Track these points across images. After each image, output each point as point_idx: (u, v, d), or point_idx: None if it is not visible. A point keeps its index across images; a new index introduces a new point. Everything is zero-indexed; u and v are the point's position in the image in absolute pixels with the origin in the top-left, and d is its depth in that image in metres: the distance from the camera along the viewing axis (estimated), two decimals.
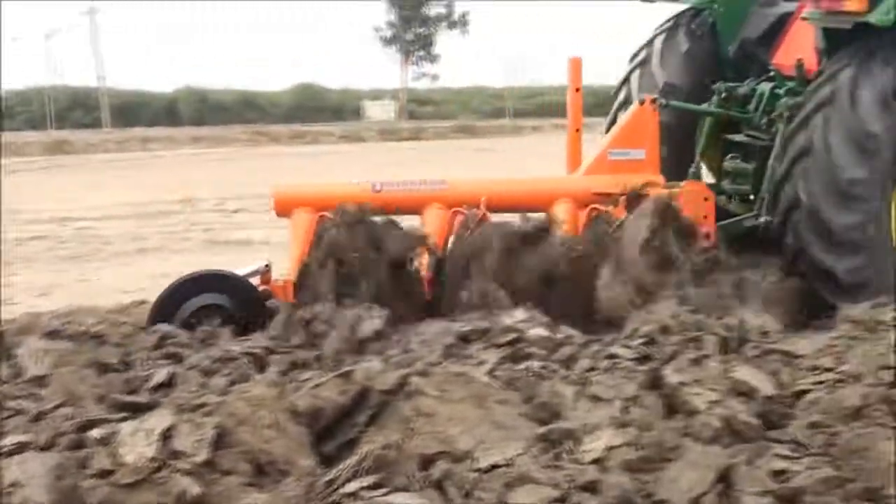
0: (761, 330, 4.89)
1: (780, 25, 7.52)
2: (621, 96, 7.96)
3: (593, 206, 6.17)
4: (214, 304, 5.79)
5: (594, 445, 3.32)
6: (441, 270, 5.98)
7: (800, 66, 6.90)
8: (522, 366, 4.23)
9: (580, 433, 3.43)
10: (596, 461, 3.24)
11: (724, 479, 3.06)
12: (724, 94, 7.37)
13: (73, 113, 52.49)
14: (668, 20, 7.98)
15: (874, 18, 6.02)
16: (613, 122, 7.91)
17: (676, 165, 7.10)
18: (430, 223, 6.18)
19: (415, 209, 6.29)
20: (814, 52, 6.77)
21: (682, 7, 7.98)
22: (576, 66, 7.00)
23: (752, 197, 7.21)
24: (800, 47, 7.06)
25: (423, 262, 5.94)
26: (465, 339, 4.82)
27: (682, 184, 6.60)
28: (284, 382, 3.97)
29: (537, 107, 54.54)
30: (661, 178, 6.43)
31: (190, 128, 45.34)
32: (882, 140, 6.08)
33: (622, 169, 6.43)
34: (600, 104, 8.49)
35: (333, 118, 51.52)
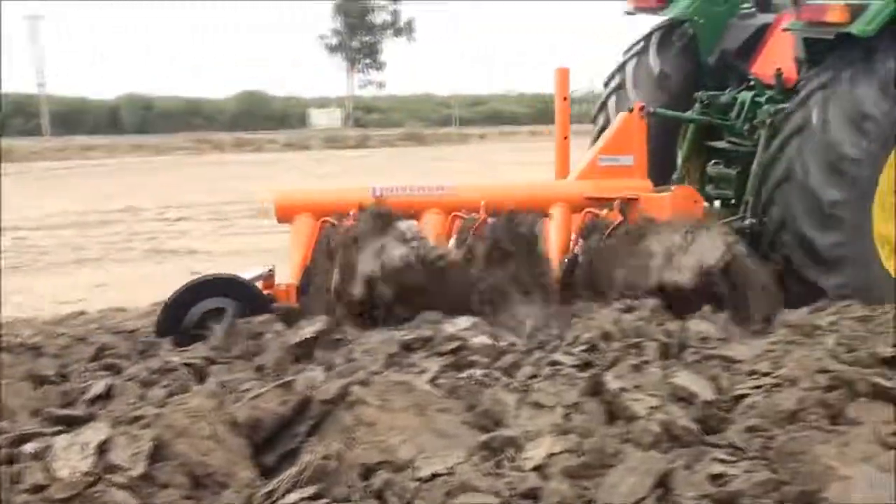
0: (701, 336, 4.95)
1: (759, 36, 7.77)
2: (601, 121, 8.15)
3: (588, 210, 6.35)
4: (223, 307, 5.63)
5: (535, 453, 3.33)
6: None
7: (779, 75, 7.17)
8: (465, 374, 4.23)
9: (522, 440, 3.43)
10: (537, 468, 3.24)
11: (663, 483, 3.08)
12: (705, 102, 7.56)
13: (13, 120, 51.60)
14: (637, 42, 8.19)
15: (856, 29, 6.23)
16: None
17: (659, 172, 7.25)
18: (428, 228, 6.23)
19: (413, 214, 6.30)
20: (793, 62, 7.00)
21: (654, 24, 8.15)
22: (563, 76, 7.20)
23: (733, 201, 7.42)
24: (779, 57, 7.31)
25: None
26: (408, 347, 4.81)
27: (673, 188, 6.75)
28: (224, 393, 3.91)
29: (483, 115, 54.80)
30: (649, 184, 6.65)
31: (132, 136, 44.78)
32: (878, 122, 6.26)
33: (612, 174, 6.67)
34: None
35: (278, 126, 51.29)
